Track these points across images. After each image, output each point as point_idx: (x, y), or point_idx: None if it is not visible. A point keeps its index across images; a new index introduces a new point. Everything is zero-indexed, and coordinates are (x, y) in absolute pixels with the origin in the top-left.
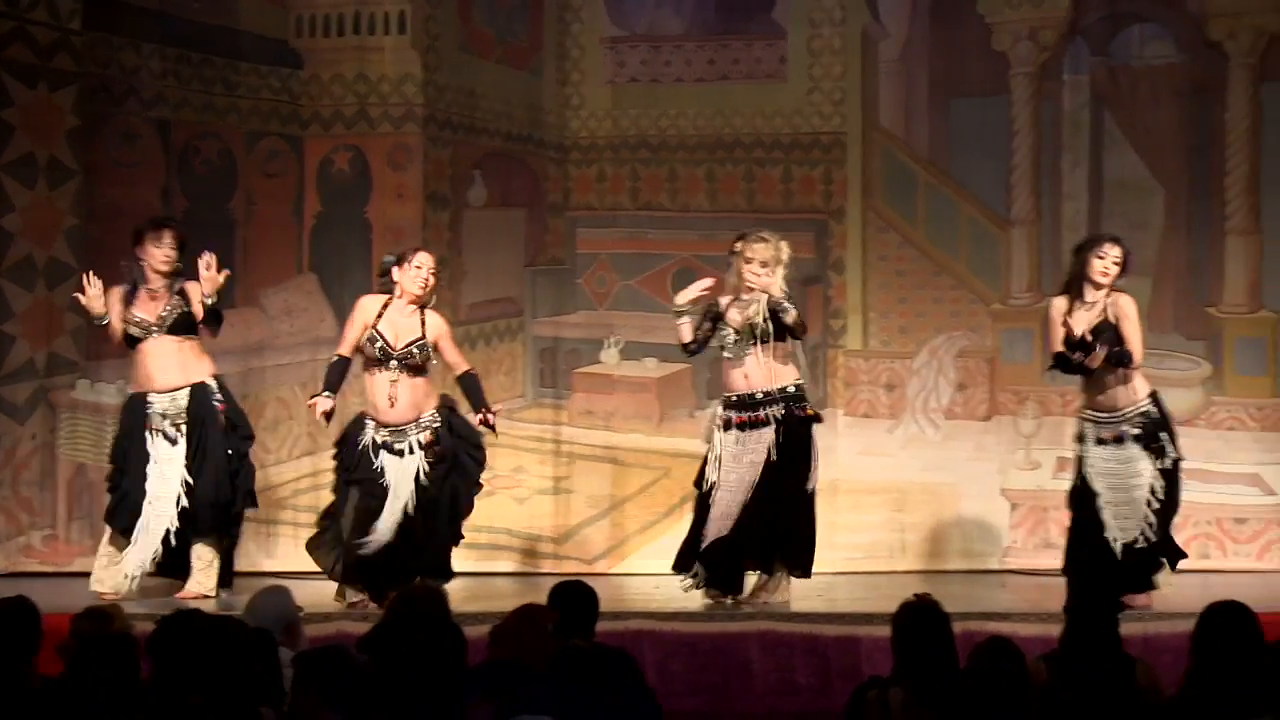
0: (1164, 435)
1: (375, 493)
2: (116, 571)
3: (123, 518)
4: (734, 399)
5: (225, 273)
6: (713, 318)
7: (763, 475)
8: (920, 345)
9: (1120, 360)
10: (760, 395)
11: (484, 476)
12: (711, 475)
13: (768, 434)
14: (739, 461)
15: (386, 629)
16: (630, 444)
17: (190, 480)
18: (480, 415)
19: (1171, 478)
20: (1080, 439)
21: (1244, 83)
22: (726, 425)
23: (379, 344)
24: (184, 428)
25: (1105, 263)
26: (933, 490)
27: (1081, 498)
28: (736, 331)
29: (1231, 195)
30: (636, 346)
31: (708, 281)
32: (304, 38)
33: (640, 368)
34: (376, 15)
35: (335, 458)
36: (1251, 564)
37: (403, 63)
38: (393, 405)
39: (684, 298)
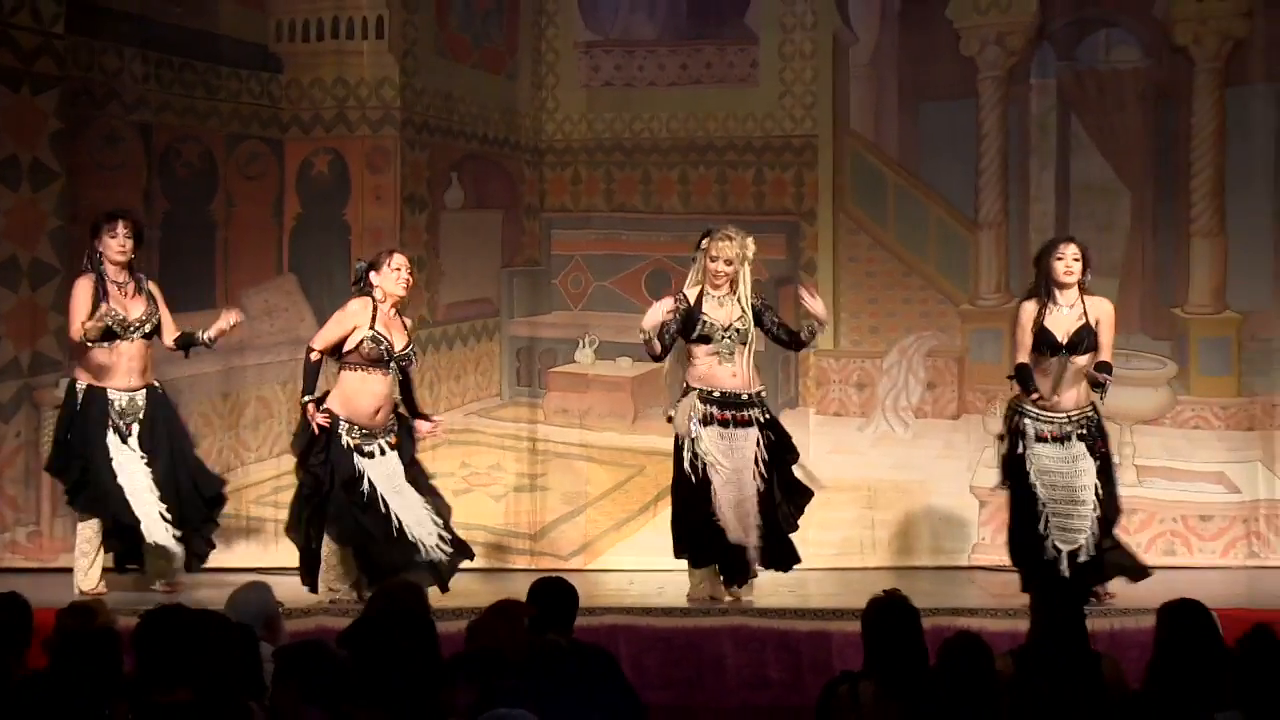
0: (1105, 439)
1: (358, 500)
2: (95, 571)
3: (105, 505)
4: (718, 395)
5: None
6: (683, 316)
7: (767, 476)
8: (890, 345)
9: (1108, 374)
10: (745, 396)
11: (462, 474)
12: (698, 468)
13: (753, 434)
14: (729, 459)
15: (368, 623)
16: (605, 442)
17: (166, 479)
18: (431, 427)
19: (1109, 480)
20: (1019, 433)
21: (1209, 87)
22: (707, 420)
23: (384, 346)
24: (135, 427)
25: (1065, 262)
26: (902, 488)
27: (1023, 495)
28: (723, 329)
29: (1197, 198)
30: (611, 346)
31: (669, 304)
32: (283, 42)
33: (614, 367)
34: (355, 20)
35: (311, 456)
36: (1216, 560)
37: (380, 67)
38: (379, 411)
39: (650, 322)
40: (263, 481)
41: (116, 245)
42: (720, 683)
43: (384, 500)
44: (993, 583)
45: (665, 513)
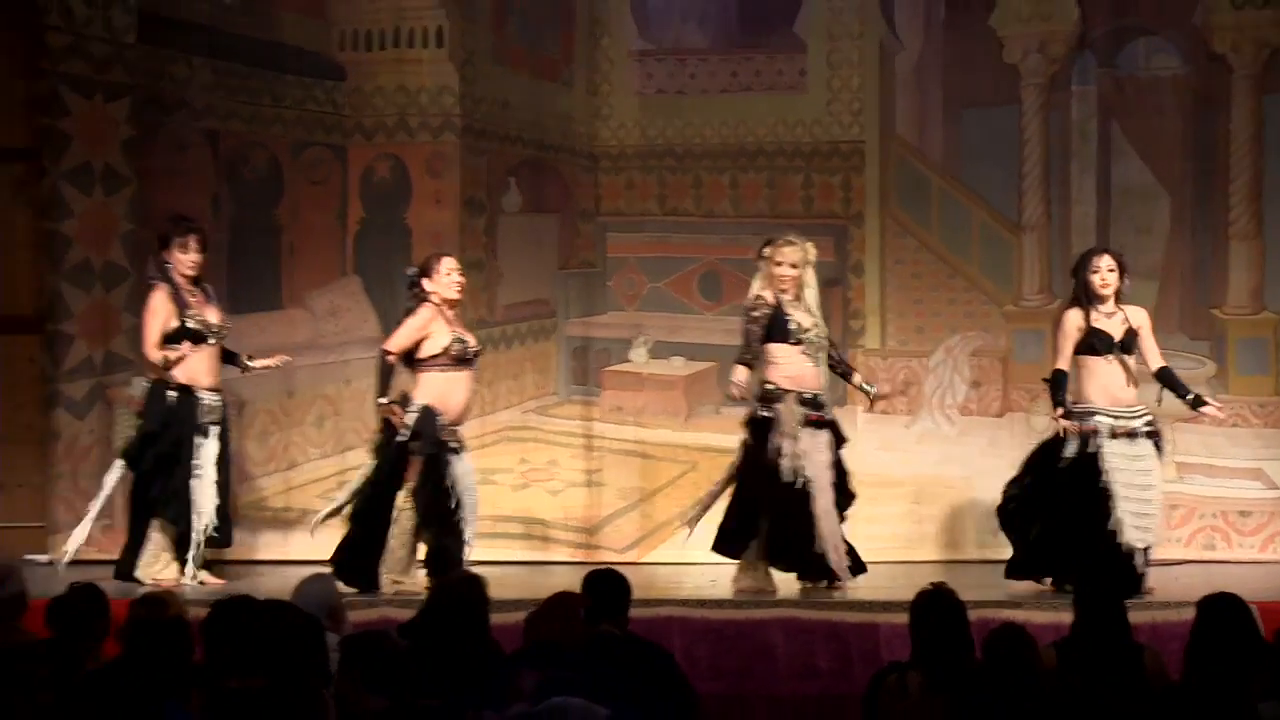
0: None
1: (441, 497)
2: (169, 561)
3: (181, 514)
4: (808, 396)
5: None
6: (769, 319)
7: (835, 476)
8: (936, 344)
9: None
10: (823, 398)
11: (520, 469)
12: (803, 470)
13: (826, 436)
14: (815, 457)
15: (429, 615)
16: (658, 439)
17: (222, 479)
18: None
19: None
20: (1091, 432)
21: (1246, 93)
22: (804, 422)
23: (466, 346)
24: (215, 429)
25: (1100, 275)
26: (948, 483)
27: (1090, 493)
28: (807, 331)
29: (1235, 201)
30: (664, 346)
31: (745, 372)
32: (346, 51)
33: (667, 366)
34: (415, 30)
35: (415, 447)
36: (1255, 555)
37: (440, 75)
38: (469, 407)
39: (739, 383)
40: (326, 477)
41: (188, 261)
42: (771, 672)
43: (459, 497)
44: None
45: (720, 507)
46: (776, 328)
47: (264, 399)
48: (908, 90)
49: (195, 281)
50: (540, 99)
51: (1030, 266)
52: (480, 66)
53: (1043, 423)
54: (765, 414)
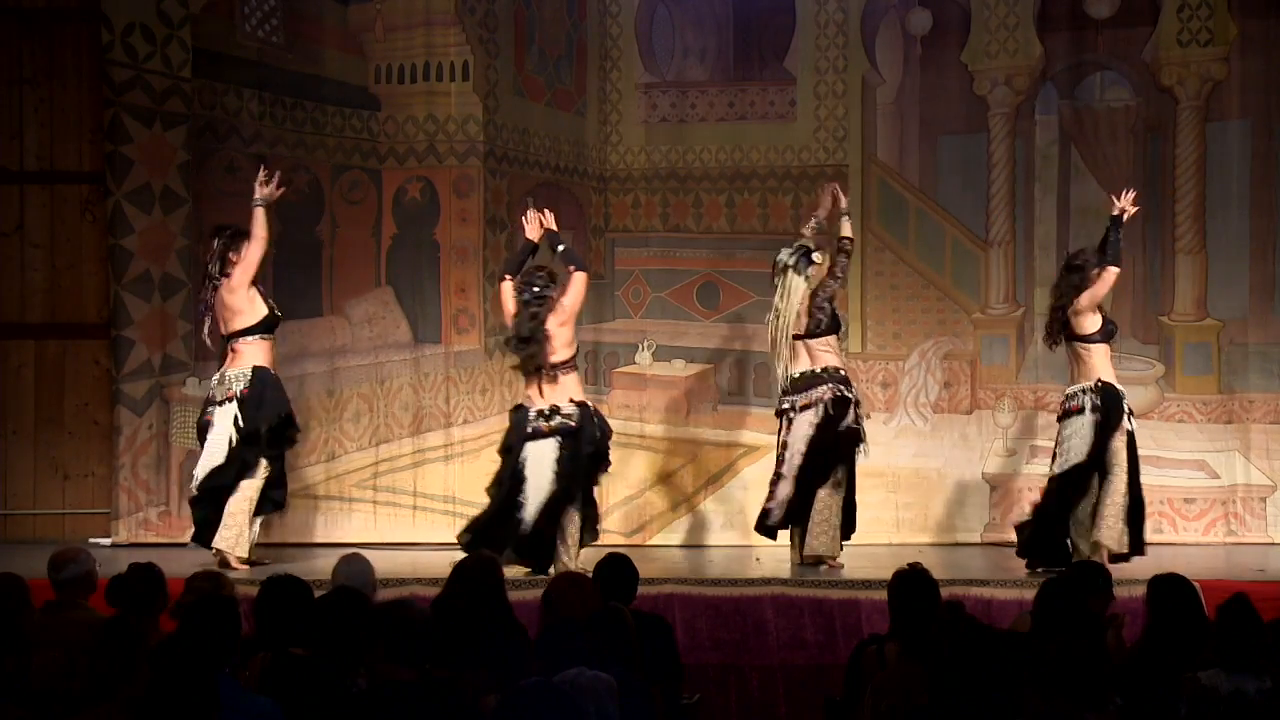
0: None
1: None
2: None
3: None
4: None
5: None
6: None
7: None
8: (911, 349)
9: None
10: None
11: None
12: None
13: None
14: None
15: (451, 592)
16: (662, 434)
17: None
18: None
19: None
20: (1131, 412)
21: (1191, 123)
22: None
23: None
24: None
25: None
26: (922, 474)
27: (1134, 471)
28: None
29: (1181, 219)
30: (666, 350)
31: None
32: (381, 84)
33: (670, 368)
34: (444, 64)
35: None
36: (1198, 538)
37: (466, 105)
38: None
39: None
40: (363, 468)
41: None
42: (763, 644)
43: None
44: (1001, 557)
45: (718, 494)
46: (836, 320)
47: (305, 397)
48: (887, 119)
49: (252, 283)
50: (556, 127)
51: (997, 278)
52: (502, 98)
53: (1007, 419)
54: (848, 394)
